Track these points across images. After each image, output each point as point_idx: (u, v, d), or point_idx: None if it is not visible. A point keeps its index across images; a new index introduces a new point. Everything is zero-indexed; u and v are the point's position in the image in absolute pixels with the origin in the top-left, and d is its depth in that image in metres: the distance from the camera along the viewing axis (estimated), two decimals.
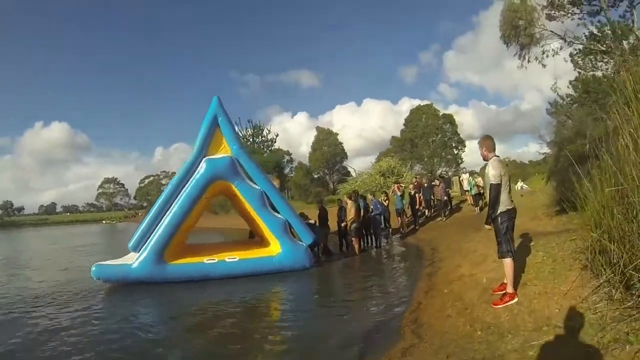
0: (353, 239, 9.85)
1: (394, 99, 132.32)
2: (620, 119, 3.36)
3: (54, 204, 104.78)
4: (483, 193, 12.27)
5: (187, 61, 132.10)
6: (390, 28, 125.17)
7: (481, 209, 12.78)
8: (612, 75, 12.75)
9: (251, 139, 37.64)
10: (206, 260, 7.94)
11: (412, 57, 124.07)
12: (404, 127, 41.23)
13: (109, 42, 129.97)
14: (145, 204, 74.06)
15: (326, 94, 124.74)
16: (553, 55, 13.32)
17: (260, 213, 8.20)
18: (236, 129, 35.97)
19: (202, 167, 8.06)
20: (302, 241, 8.47)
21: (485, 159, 4.20)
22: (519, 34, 13.19)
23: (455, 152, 39.16)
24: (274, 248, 8.30)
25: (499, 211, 4.01)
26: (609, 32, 13.31)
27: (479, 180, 12.71)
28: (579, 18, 13.81)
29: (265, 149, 37.53)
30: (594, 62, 14.70)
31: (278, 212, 8.43)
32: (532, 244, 5.78)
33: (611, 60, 13.47)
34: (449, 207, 14.74)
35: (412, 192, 14.50)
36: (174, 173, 11.84)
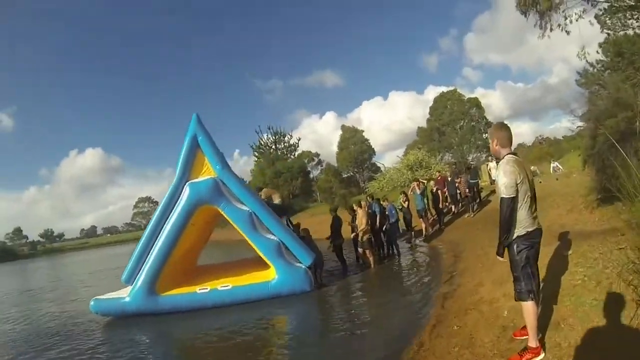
0: (366, 251, 8.83)
1: (419, 88, 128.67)
2: None
3: (94, 227, 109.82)
4: None
5: (211, 75, 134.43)
6: (407, 17, 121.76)
7: None
8: None
9: (273, 146, 37.43)
10: (198, 290, 7.39)
11: (432, 44, 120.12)
12: (429, 116, 39.62)
13: (133, 63, 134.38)
14: None
15: (351, 91, 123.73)
16: (577, 20, 11.55)
17: (251, 236, 7.42)
18: (262, 137, 35.41)
19: (185, 192, 7.40)
20: (300, 262, 7.56)
21: (498, 156, 3.07)
22: (537, 0, 11.64)
23: (485, 136, 36.95)
24: (270, 272, 7.47)
25: (515, 235, 2.87)
26: None
27: None
28: None
29: (288, 155, 37.18)
30: (623, 20, 12.78)
31: (272, 233, 7.59)
32: (569, 252, 4.61)
33: None
34: (478, 201, 13.35)
35: (434, 189, 13.20)
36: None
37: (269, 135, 37.67)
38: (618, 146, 3.51)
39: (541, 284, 3.46)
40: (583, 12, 11.55)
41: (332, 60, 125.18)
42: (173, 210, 7.42)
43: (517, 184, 2.78)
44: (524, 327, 3.04)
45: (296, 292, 7.35)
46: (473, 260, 7.25)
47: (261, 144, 37.70)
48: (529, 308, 2.83)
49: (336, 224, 9.27)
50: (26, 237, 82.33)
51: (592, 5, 11.59)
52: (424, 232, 12.35)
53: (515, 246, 2.88)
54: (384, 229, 10.13)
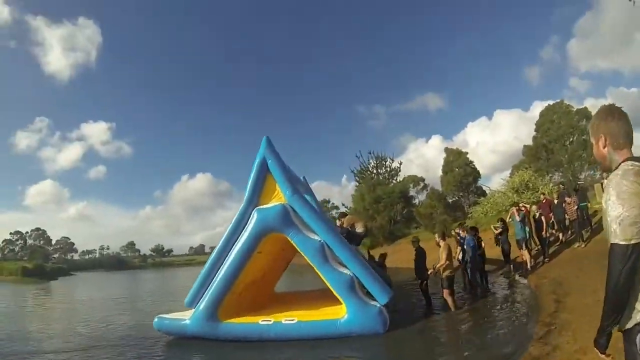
0: (445, 291, 7.64)
1: (525, 105, 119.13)
2: None
3: (202, 245, 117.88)
4: None
5: (315, 101, 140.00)
6: (503, 31, 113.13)
7: None
8: None
9: (375, 171, 37.15)
10: (261, 321, 7.02)
11: (532, 55, 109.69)
12: (535, 132, 35.56)
13: (236, 96, 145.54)
14: None
15: (456, 113, 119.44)
16: None
17: (321, 268, 6.86)
18: (363, 162, 35.46)
19: (253, 218, 7.16)
20: (375, 300, 6.78)
21: (606, 164, 1.71)
22: None
23: None
24: (341, 309, 6.81)
25: (633, 322, 1.55)
26: None
27: None
28: None
29: (390, 179, 36.58)
30: None
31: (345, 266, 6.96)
32: None
33: None
34: (589, 228, 11.11)
35: (537, 215, 11.30)
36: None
37: (370, 160, 37.37)
38: None
39: None
40: None
41: (433, 83, 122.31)
42: (240, 237, 7.23)
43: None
44: None
45: (367, 333, 6.56)
46: (579, 311, 5.74)
47: (362, 168, 37.63)
48: None
49: (419, 258, 8.29)
50: (138, 250, 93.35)
51: None
52: (524, 266, 10.58)
53: (631, 336, 1.56)
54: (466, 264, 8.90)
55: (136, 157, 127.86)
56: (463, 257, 8.99)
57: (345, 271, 6.85)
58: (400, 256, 16.09)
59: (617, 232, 1.49)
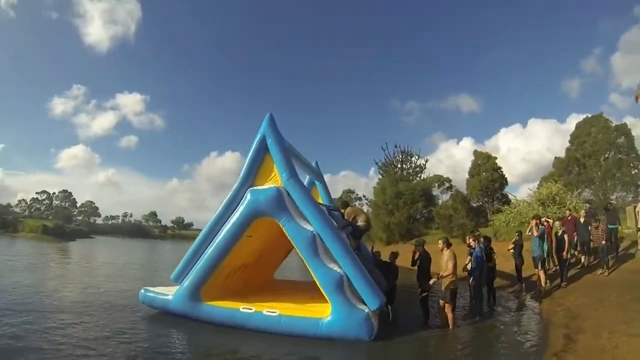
0: (445, 305, 6.91)
1: (561, 117, 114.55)
2: None
3: None
4: None
5: (351, 91, 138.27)
6: (546, 38, 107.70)
7: None
8: None
9: (399, 165, 36.26)
10: (242, 308, 6.64)
11: (573, 67, 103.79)
12: (569, 144, 33.55)
13: (270, 82, 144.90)
14: None
15: (489, 116, 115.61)
16: None
17: (310, 261, 6.33)
18: (388, 154, 34.84)
19: (246, 198, 6.68)
20: (365, 304, 6.19)
21: None
22: None
23: (634, 172, 29.64)
24: (325, 308, 6.27)
25: None
26: None
27: None
28: None
29: (414, 176, 35.69)
30: None
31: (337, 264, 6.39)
32: None
33: None
34: (615, 254, 10.11)
35: (560, 232, 10.32)
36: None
37: (396, 154, 36.49)
38: None
39: None
40: None
41: (469, 84, 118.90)
42: (230, 217, 6.79)
43: None
44: None
45: (350, 339, 6.01)
46: (591, 355, 5.01)
47: (387, 162, 36.80)
48: None
49: (422, 263, 7.49)
50: (159, 220, 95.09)
51: None
52: (538, 286, 9.71)
53: None
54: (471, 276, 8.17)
55: (167, 130, 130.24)
56: (473, 267, 8.23)
57: (336, 268, 6.30)
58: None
59: None
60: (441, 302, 6.95)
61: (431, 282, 7.01)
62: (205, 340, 6.24)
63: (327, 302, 6.32)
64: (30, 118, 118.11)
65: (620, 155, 29.67)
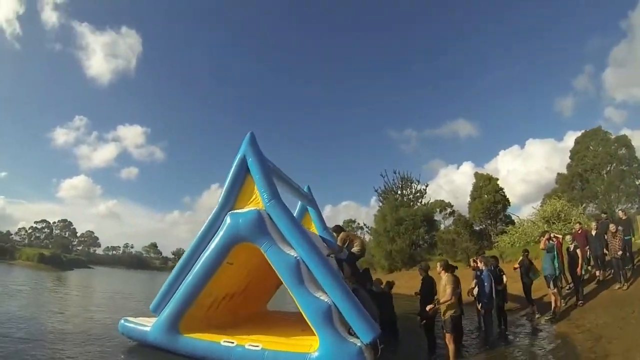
0: (447, 336, 6.20)
1: (558, 135, 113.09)
2: None
3: None
4: None
5: (348, 121, 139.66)
6: (536, 59, 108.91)
7: None
8: None
9: (399, 191, 35.77)
10: (223, 342, 6.07)
11: (565, 85, 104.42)
12: (570, 160, 33.16)
13: (268, 114, 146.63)
14: None
15: (487, 140, 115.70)
16: None
17: (295, 291, 5.78)
18: (387, 181, 34.06)
19: (225, 222, 6.21)
20: (356, 336, 5.58)
21: None
22: None
23: (637, 182, 28.94)
24: (314, 342, 5.68)
25: None
26: None
27: None
28: None
29: (414, 202, 35.10)
30: None
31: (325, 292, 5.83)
32: None
33: None
34: (632, 266, 9.40)
35: (572, 247, 9.63)
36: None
37: (396, 180, 35.91)
38: None
39: None
40: None
41: (464, 109, 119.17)
42: (209, 243, 6.31)
43: None
44: None
45: None
46: None
47: (386, 189, 36.22)
48: None
49: (425, 289, 6.87)
50: (160, 252, 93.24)
51: None
52: (552, 307, 8.95)
53: None
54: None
55: (168, 163, 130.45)
56: (479, 292, 7.58)
57: (323, 297, 5.73)
58: (416, 282, 14.48)
59: None
60: (445, 333, 6.26)
61: (428, 308, 6.33)
62: None
63: (312, 335, 5.74)
64: (33, 147, 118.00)
65: (622, 167, 29.05)
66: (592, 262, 10.47)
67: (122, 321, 7.22)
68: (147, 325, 6.79)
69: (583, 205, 24.66)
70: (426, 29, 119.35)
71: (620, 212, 11.49)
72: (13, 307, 10.45)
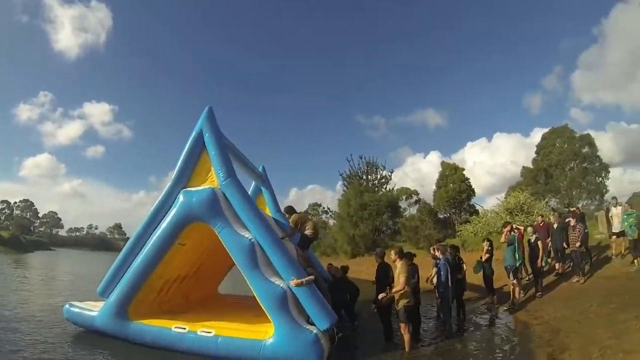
0: (401, 325, 6.02)
1: (525, 131, 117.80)
2: None
3: None
4: None
5: (317, 105, 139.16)
6: (508, 55, 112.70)
7: None
8: None
9: (364, 176, 35.64)
10: (174, 327, 5.74)
11: (535, 83, 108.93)
12: (535, 155, 34.23)
13: (236, 95, 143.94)
14: None
15: (456, 131, 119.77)
16: None
17: (249, 274, 5.48)
18: (352, 166, 33.58)
19: (178, 200, 5.80)
20: (313, 324, 5.34)
21: None
22: None
23: (598, 180, 30.36)
24: (269, 328, 5.39)
25: None
26: None
27: None
28: None
29: (379, 187, 35.10)
30: None
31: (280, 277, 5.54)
32: None
33: None
34: (589, 260, 9.64)
35: (533, 239, 9.75)
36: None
37: (361, 165, 35.76)
38: None
39: None
40: None
41: (435, 99, 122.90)
42: (161, 222, 5.88)
43: None
44: None
45: None
46: None
47: (352, 173, 36.07)
48: None
49: (381, 276, 6.65)
50: (125, 233, 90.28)
51: None
52: (511, 298, 9.05)
53: None
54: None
55: (135, 142, 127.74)
56: (438, 281, 7.49)
57: (279, 282, 5.44)
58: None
59: None
60: (400, 323, 6.08)
61: (380, 297, 6.14)
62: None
63: (267, 322, 5.47)
64: None
65: (585, 165, 30.32)
66: (552, 255, 10.70)
67: (67, 306, 6.77)
68: (94, 310, 6.36)
69: (546, 200, 25.50)
70: (404, 17, 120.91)
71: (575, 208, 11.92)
72: None
